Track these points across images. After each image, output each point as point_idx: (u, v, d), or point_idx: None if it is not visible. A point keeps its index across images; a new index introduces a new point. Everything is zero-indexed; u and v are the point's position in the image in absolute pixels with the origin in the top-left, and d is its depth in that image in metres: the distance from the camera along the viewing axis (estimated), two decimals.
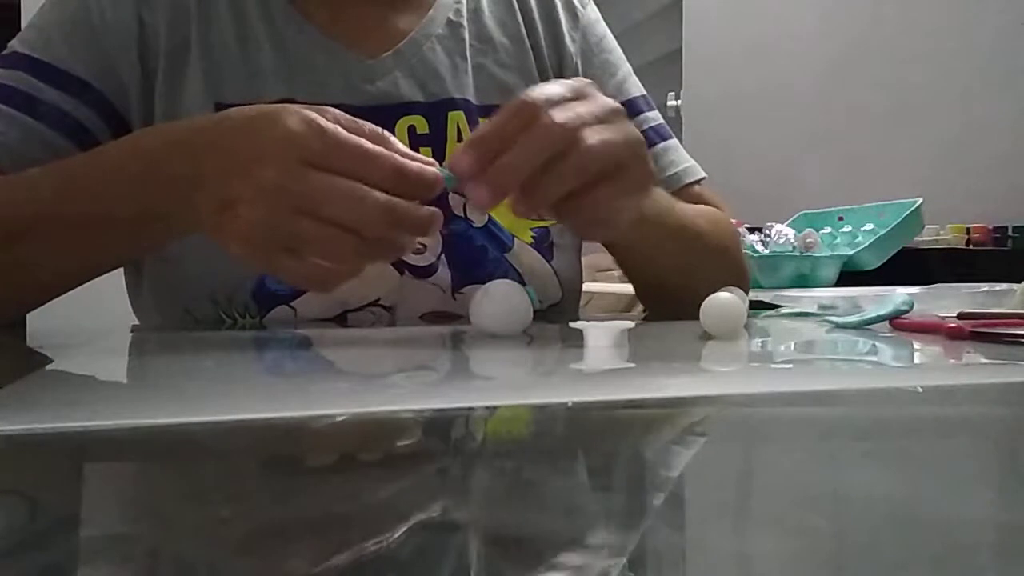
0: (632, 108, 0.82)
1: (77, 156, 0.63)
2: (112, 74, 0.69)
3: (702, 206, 0.81)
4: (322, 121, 0.49)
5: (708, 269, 0.74)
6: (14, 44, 0.70)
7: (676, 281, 0.68)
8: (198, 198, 0.51)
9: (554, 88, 0.52)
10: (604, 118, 0.53)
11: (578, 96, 0.53)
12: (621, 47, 0.87)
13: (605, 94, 0.81)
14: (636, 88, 0.85)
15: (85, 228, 0.58)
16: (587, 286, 1.05)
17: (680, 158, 0.84)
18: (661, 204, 0.71)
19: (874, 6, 2.30)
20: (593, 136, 0.51)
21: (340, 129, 0.49)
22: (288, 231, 0.48)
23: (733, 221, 0.92)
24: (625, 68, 0.85)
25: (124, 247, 0.62)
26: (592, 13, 0.86)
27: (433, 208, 0.50)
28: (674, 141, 0.85)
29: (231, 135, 0.51)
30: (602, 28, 0.86)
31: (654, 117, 0.84)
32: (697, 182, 0.84)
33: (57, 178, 0.60)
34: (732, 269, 0.79)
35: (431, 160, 0.51)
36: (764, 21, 2.44)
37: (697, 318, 0.54)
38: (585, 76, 0.82)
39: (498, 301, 0.54)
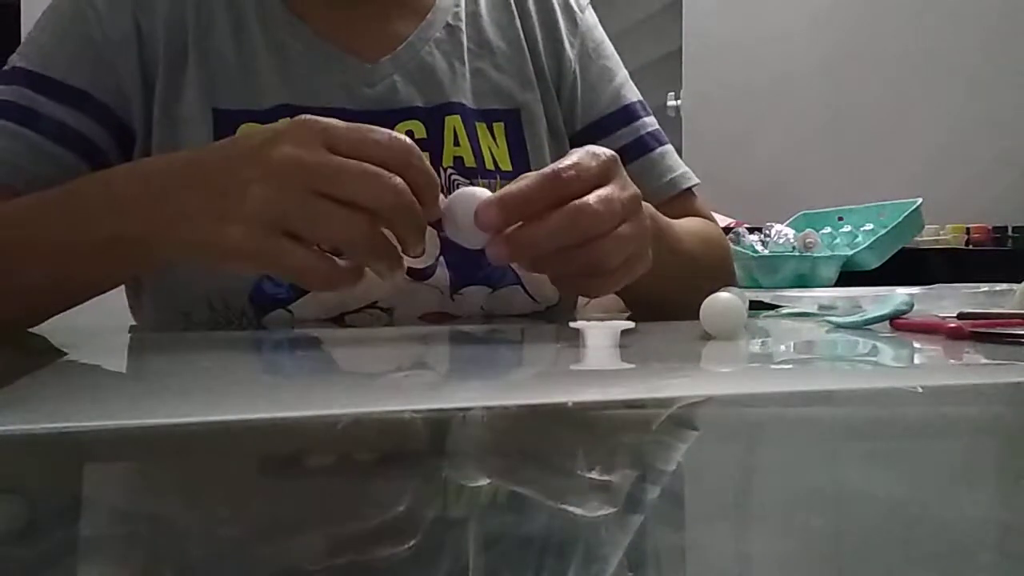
0: (630, 113, 0.83)
1: (81, 179, 0.62)
2: (113, 83, 0.69)
3: (694, 220, 0.81)
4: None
5: (697, 292, 0.74)
6: (13, 59, 0.69)
7: (667, 299, 0.67)
8: (194, 197, 0.51)
9: (587, 161, 0.52)
10: (628, 209, 0.53)
11: (606, 174, 0.53)
12: (620, 47, 0.87)
13: (603, 99, 0.82)
14: (633, 93, 0.85)
15: (75, 249, 0.58)
16: None
17: (676, 163, 0.84)
18: (659, 223, 0.68)
19: (873, 6, 2.30)
20: (615, 237, 0.51)
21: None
22: (299, 209, 0.48)
23: (733, 221, 0.93)
24: (622, 73, 0.85)
25: (107, 271, 0.62)
26: (590, 18, 0.85)
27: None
28: (670, 147, 0.85)
29: (236, 141, 0.52)
30: (600, 33, 0.86)
31: (651, 122, 0.84)
32: (690, 188, 0.84)
33: (54, 203, 0.60)
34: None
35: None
36: (764, 21, 2.44)
37: (692, 320, 0.54)
38: (583, 81, 0.82)
39: (463, 210, 0.50)
